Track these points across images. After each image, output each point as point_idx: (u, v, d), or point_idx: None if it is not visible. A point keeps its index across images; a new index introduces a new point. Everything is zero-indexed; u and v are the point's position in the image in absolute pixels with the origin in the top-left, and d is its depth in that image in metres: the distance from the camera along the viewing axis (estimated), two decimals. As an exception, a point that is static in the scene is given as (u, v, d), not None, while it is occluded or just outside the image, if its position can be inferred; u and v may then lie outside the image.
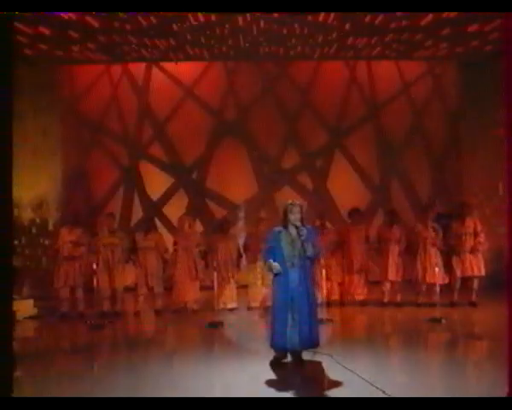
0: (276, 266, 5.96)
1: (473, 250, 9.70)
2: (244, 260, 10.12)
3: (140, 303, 9.73)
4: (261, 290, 9.70)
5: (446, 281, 9.54)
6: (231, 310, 9.70)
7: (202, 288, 9.98)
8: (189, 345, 7.73)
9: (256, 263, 9.74)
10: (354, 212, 10.30)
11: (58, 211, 12.06)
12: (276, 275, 6.07)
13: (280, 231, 6.07)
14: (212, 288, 9.33)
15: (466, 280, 9.81)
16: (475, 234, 9.74)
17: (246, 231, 10.82)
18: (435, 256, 9.55)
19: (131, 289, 9.95)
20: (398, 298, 9.94)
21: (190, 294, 9.66)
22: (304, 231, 5.94)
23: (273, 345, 6.09)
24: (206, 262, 9.81)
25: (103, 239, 9.42)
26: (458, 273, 9.69)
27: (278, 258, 6.02)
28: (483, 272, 9.70)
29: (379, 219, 12.27)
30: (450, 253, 9.75)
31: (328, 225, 10.28)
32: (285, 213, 6.06)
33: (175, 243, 9.83)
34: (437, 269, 9.22)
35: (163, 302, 9.79)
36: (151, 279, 9.59)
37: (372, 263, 10.38)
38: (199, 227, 12.70)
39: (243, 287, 10.03)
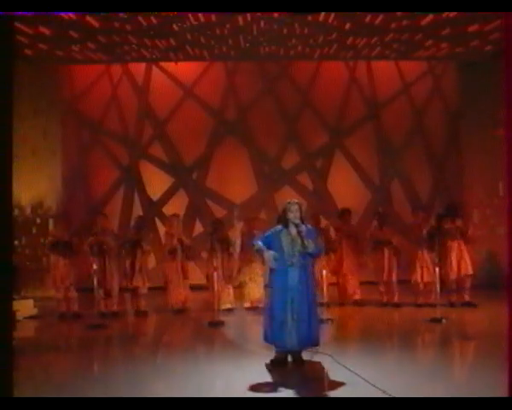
0: (272, 258, 5.96)
1: (461, 250, 9.72)
2: (237, 260, 10.10)
3: (135, 303, 9.73)
4: (259, 290, 9.69)
5: (436, 280, 9.51)
6: (230, 310, 9.69)
7: (200, 288, 10.00)
8: (188, 345, 7.73)
9: (251, 263, 9.75)
10: (344, 212, 10.34)
11: (58, 211, 12.06)
12: (272, 272, 6.08)
13: (281, 230, 6.08)
14: (208, 288, 9.36)
15: (460, 280, 9.81)
16: (464, 234, 9.74)
17: (241, 230, 10.82)
18: (430, 256, 9.56)
19: (128, 290, 9.95)
20: (397, 298, 9.95)
21: (182, 294, 9.69)
22: (303, 228, 5.97)
23: (270, 342, 6.09)
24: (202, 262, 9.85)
25: (97, 239, 9.42)
26: (451, 273, 9.71)
27: (279, 256, 6.02)
28: (471, 271, 9.71)
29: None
30: (442, 253, 9.74)
31: (323, 225, 10.29)
32: (284, 213, 6.08)
33: (164, 244, 9.85)
34: (437, 269, 9.20)
35: (160, 302, 9.81)
36: (141, 278, 9.61)
37: (367, 263, 10.41)
38: (199, 227, 12.74)
39: (239, 287, 10.05)
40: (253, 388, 5.27)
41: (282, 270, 5.99)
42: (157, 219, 12.83)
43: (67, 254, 9.38)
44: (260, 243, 6.11)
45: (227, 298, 9.77)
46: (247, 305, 9.79)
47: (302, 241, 5.92)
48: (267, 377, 5.66)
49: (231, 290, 9.89)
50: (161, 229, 12.14)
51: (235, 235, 10.46)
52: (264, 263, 6.27)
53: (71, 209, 12.01)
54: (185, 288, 9.77)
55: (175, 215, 10.11)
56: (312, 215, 10.11)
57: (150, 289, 9.85)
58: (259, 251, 6.14)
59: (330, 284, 10.00)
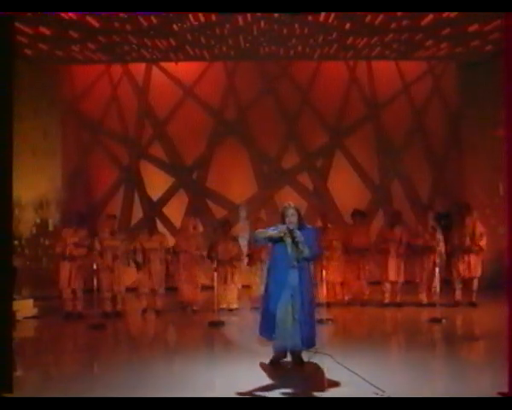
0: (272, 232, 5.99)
1: (472, 251, 9.70)
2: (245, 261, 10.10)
3: (143, 303, 9.74)
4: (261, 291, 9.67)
5: (436, 280, 9.50)
6: (232, 310, 9.69)
7: (203, 288, 10.00)
8: (189, 345, 7.74)
9: (258, 264, 9.75)
10: (357, 213, 10.30)
11: (58, 211, 12.06)
12: (272, 269, 6.09)
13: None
14: (212, 288, 9.37)
15: (465, 281, 9.82)
16: (474, 235, 9.74)
17: (248, 231, 10.83)
18: (435, 257, 9.55)
19: (133, 290, 9.95)
20: (398, 298, 9.94)
21: (193, 295, 9.68)
22: (297, 233, 5.95)
23: (266, 336, 6.09)
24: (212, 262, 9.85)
25: (105, 241, 9.42)
26: (459, 274, 9.71)
27: (281, 255, 6.02)
28: (479, 273, 9.71)
29: (379, 219, 12.28)
30: (450, 253, 9.75)
31: (329, 225, 10.29)
32: (282, 217, 6.09)
33: (176, 245, 9.87)
34: (437, 269, 9.21)
35: (165, 303, 9.81)
36: (155, 280, 9.61)
37: (373, 264, 10.40)
38: (199, 227, 12.73)
39: (246, 287, 10.05)
40: (253, 388, 5.27)
41: (283, 269, 5.99)
42: (157, 220, 12.80)
43: (79, 257, 9.38)
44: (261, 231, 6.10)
45: (229, 298, 9.76)
46: (251, 306, 9.73)
47: (297, 247, 5.93)
48: (267, 377, 5.66)
49: (235, 291, 9.87)
50: (161, 229, 12.13)
51: (242, 235, 10.43)
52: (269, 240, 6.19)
53: (75, 210, 11.99)
54: (196, 291, 9.75)
55: (189, 218, 10.12)
56: (320, 215, 10.12)
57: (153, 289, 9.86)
58: (263, 235, 6.11)
59: (340, 284, 10.01)
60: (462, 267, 9.72)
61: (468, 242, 9.74)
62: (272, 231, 6.02)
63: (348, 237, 10.06)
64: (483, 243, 9.73)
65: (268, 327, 5.99)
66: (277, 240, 6.04)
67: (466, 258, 9.73)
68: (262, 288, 9.50)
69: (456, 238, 9.76)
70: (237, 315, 9.50)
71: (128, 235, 10.24)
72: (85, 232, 9.50)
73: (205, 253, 9.80)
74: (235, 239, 10.12)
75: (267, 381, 5.55)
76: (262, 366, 6.06)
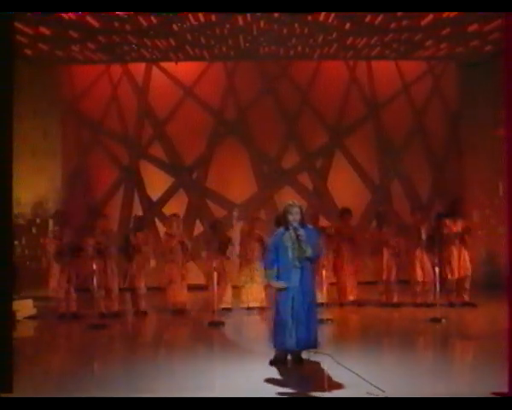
0: (280, 284, 5.99)
1: (461, 250, 9.71)
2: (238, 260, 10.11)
3: (135, 303, 9.73)
4: (259, 290, 9.68)
5: (435, 280, 9.50)
6: (228, 310, 9.68)
7: (200, 288, 10.01)
8: (188, 345, 7.74)
9: (252, 263, 9.74)
10: (344, 212, 10.31)
11: (58, 212, 12.04)
12: (280, 278, 6.07)
13: (283, 234, 6.05)
14: (208, 288, 9.39)
15: (460, 280, 9.81)
16: (463, 237, 9.74)
17: (241, 231, 10.82)
18: (430, 256, 9.55)
19: (129, 290, 9.95)
20: (397, 298, 9.94)
21: (180, 294, 9.69)
22: (301, 232, 5.92)
23: (275, 344, 6.10)
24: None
25: (97, 240, 9.41)
26: (450, 273, 9.71)
27: (284, 258, 6.01)
28: (469, 272, 9.71)
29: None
30: (442, 253, 9.73)
31: (323, 224, 10.28)
32: (285, 215, 6.06)
33: (160, 245, 9.89)
34: (437, 269, 9.20)
35: (159, 303, 9.81)
36: (136, 279, 9.61)
37: (366, 264, 10.42)
38: (199, 227, 12.75)
39: (238, 287, 10.05)
40: (253, 387, 5.28)
41: (286, 271, 5.98)
42: (157, 220, 12.81)
43: (72, 258, 9.38)
44: (273, 275, 6.08)
45: (225, 298, 9.76)
46: (251, 304, 9.73)
47: (300, 246, 5.90)
48: (267, 377, 5.66)
49: (229, 290, 9.88)
50: (161, 229, 12.14)
51: (235, 235, 10.44)
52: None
53: (70, 209, 12.00)
54: (184, 288, 9.77)
55: (174, 215, 10.11)
56: (312, 215, 10.12)
57: (150, 289, 9.85)
58: (270, 280, 6.15)
59: (330, 284, 10.01)
60: (456, 267, 9.71)
61: (461, 241, 9.74)
62: (282, 283, 6.00)
63: (338, 237, 10.10)
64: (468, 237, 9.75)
65: (281, 339, 5.96)
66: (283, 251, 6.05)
67: (457, 257, 9.72)
68: (259, 288, 9.65)
69: (448, 238, 9.75)
70: (236, 315, 9.50)
71: (119, 234, 10.25)
72: (72, 232, 9.51)
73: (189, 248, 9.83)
74: (229, 239, 10.11)
75: (267, 381, 5.55)
76: (262, 365, 6.05)
